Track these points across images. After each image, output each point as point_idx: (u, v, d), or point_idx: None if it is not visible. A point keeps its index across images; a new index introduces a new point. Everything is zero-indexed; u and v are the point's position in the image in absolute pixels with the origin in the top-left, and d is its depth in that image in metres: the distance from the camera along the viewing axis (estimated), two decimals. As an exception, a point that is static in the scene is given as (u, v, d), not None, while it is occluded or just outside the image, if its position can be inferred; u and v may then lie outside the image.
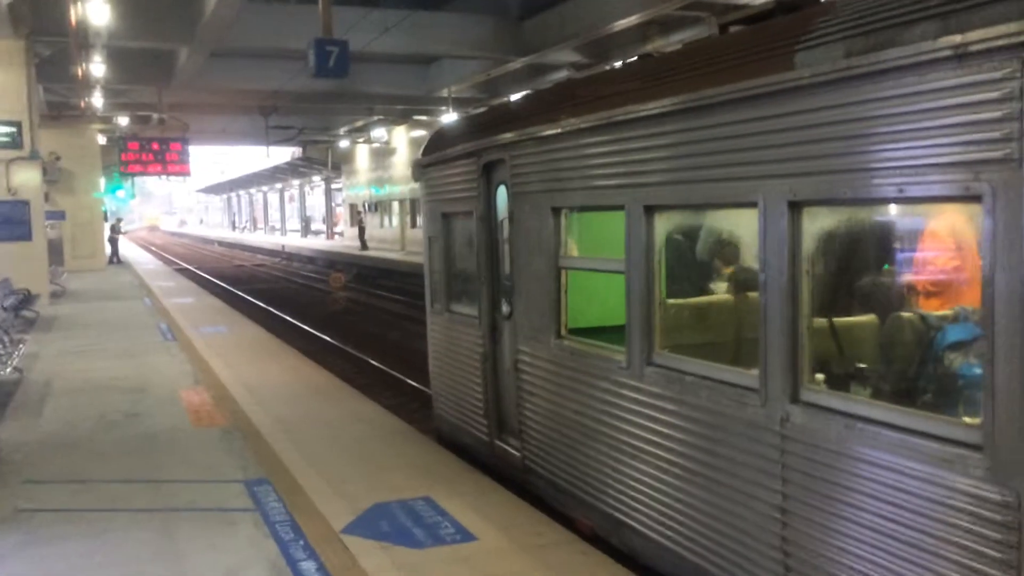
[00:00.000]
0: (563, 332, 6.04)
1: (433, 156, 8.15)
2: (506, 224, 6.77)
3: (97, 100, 28.46)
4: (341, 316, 24.02)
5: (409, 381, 14.24)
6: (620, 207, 5.24)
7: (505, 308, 6.95)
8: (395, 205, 45.41)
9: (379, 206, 47.57)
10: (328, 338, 19.05)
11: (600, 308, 6.37)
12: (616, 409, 5.28)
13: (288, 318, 22.50)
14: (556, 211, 5.98)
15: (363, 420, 8.80)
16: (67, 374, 11.65)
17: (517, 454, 6.75)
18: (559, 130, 5.77)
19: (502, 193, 6.91)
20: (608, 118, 5.21)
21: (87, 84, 25.62)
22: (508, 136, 6.53)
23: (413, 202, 42.51)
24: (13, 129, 19.36)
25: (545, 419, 6.22)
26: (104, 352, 13.56)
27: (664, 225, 5.03)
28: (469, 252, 7.83)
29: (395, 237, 44.83)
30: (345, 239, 54.66)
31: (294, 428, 8.41)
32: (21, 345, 11.26)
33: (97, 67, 23.33)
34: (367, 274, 36.44)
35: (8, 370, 10.50)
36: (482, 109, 7.74)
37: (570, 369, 5.82)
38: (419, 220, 42.23)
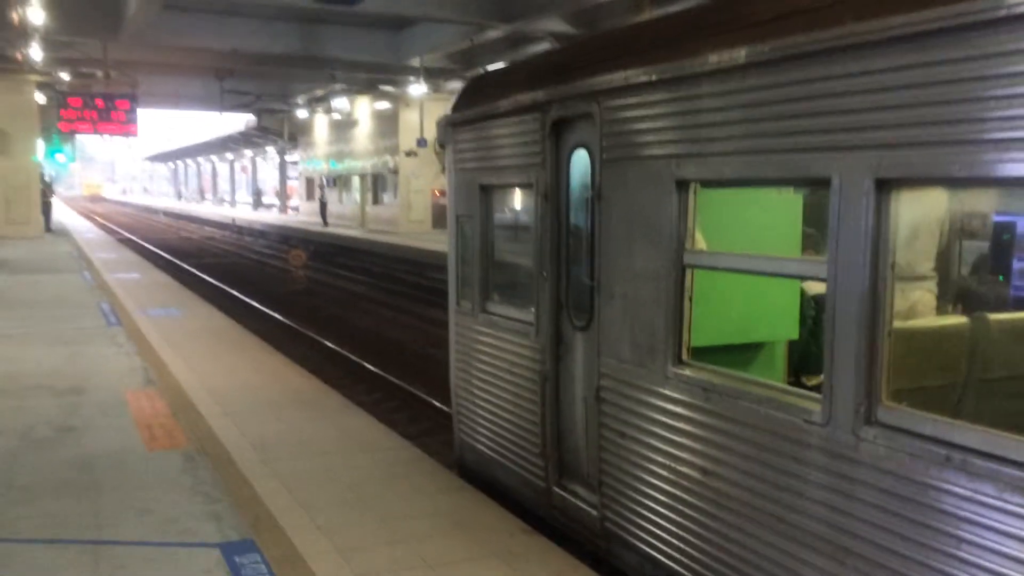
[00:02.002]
0: (685, 356, 4.32)
1: (469, 112, 6.33)
2: (587, 202, 5.02)
3: (35, 52, 25.79)
4: (302, 297, 22.04)
5: (388, 376, 12.51)
6: (818, 180, 3.54)
7: (579, 316, 5.21)
8: (355, 180, 43.17)
9: (338, 181, 45.27)
10: (292, 323, 17.15)
11: (720, 320, 4.68)
12: (796, 486, 3.58)
13: (246, 299, 20.46)
14: (683, 186, 4.24)
15: (361, 444, 6.98)
16: (-13, 367, 9.61)
17: (592, 512, 5.03)
18: (700, 69, 4.02)
19: (581, 160, 5.15)
20: (801, 47, 3.48)
21: (24, 32, 23.03)
22: (600, 80, 4.75)
23: (375, 177, 40.45)
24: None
25: (648, 475, 4.49)
26: (34, 338, 11.46)
27: (914, 209, 3.35)
28: (522, 237, 6.06)
29: (354, 214, 42.66)
30: (300, 214, 52.20)
31: (277, 455, 6.56)
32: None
33: (35, 12, 20.84)
34: (325, 252, 34.35)
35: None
36: (547, 49, 5.78)
37: (703, 413, 4.10)
38: (383, 197, 40.38)
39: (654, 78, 4.31)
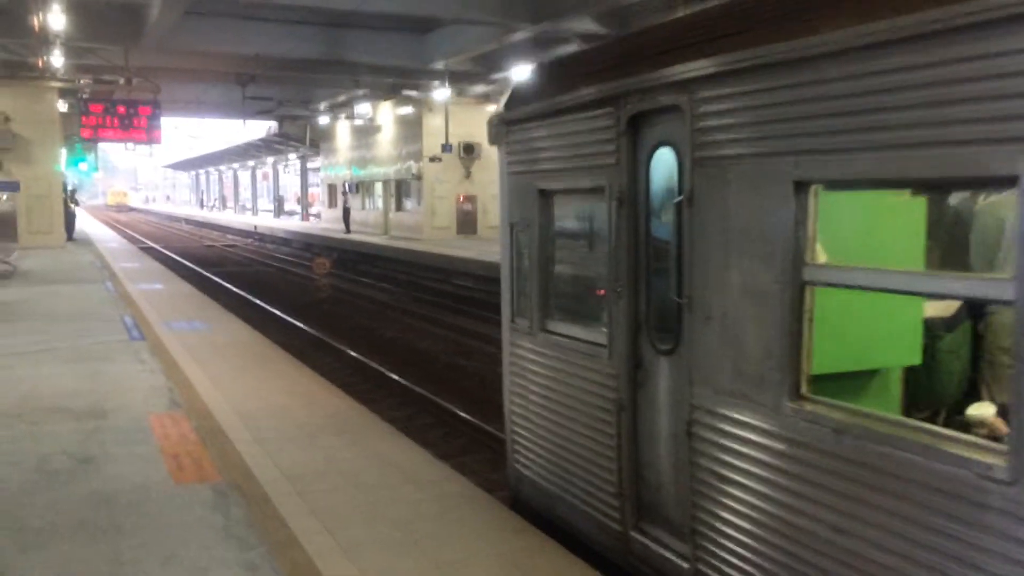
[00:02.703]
0: (804, 388, 3.66)
1: (525, 108, 5.70)
2: (673, 208, 4.37)
3: (56, 59, 25.49)
4: (327, 306, 21.53)
5: (420, 390, 11.95)
6: (996, 180, 2.88)
7: (663, 337, 4.56)
8: (378, 186, 42.68)
9: (360, 187, 44.81)
10: (317, 334, 16.62)
11: (834, 343, 4.01)
12: (966, 556, 2.90)
13: (270, 308, 19.97)
14: (801, 188, 3.58)
15: (406, 474, 6.34)
16: (2, 388, 9.05)
17: (683, 564, 4.37)
18: (828, 48, 3.36)
19: (664, 160, 4.50)
20: (972, 15, 2.82)
21: (45, 39, 22.70)
22: (692, 67, 4.11)
23: (398, 184, 39.94)
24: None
25: (758, 527, 3.83)
26: (54, 355, 10.94)
27: None
28: (591, 247, 5.43)
29: (377, 221, 42.17)
30: (322, 221, 51.80)
31: (314, 488, 5.94)
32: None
33: (56, 18, 20.47)
34: (348, 259, 33.88)
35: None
36: (620, 35, 5.14)
37: (833, 459, 3.43)
38: (406, 203, 39.84)
39: (765, 62, 3.66)
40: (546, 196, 5.60)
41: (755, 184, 3.78)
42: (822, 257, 3.69)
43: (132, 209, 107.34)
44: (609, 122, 4.79)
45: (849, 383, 4.27)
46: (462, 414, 10.98)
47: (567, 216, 5.65)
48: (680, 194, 4.28)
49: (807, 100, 3.49)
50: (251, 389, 9.11)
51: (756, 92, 3.74)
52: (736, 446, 3.95)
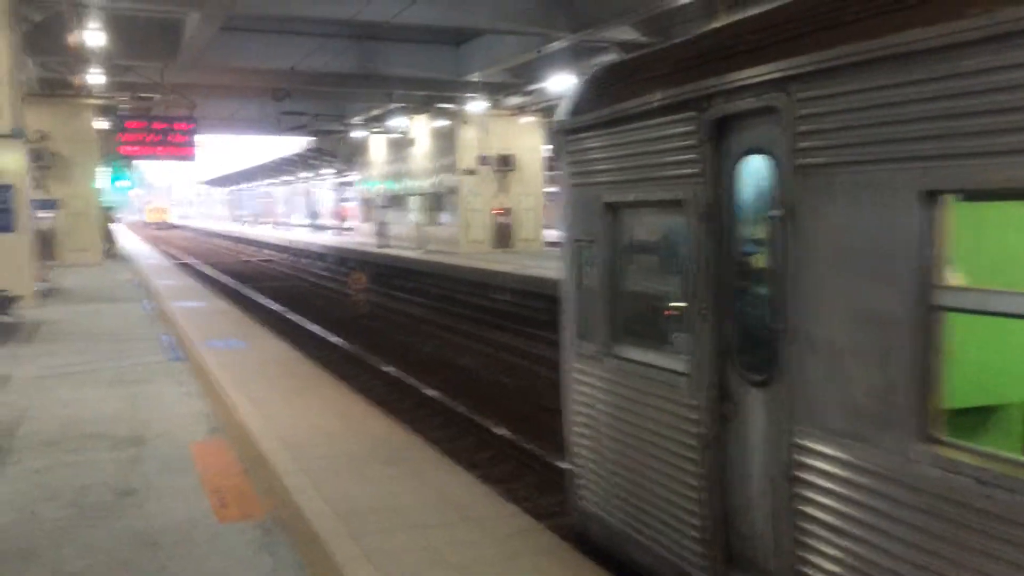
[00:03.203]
0: (935, 430, 3.19)
1: (590, 115, 5.29)
2: (768, 223, 3.92)
3: (94, 77, 25.59)
4: (363, 321, 21.28)
5: (462, 410, 11.64)
6: None
7: (755, 367, 4.11)
8: (412, 200, 42.51)
9: (394, 201, 44.69)
10: (355, 350, 16.36)
11: (961, 375, 3.53)
12: None
13: (307, 324, 19.76)
14: (931, 199, 3.13)
15: (463, 511, 5.92)
16: (42, 413, 8.78)
17: (784, 623, 3.90)
18: (969, 36, 2.91)
19: (756, 168, 4.06)
20: None
21: (83, 57, 22.76)
22: (793, 63, 3.67)
23: (433, 197, 39.73)
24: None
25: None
26: (94, 376, 10.70)
27: None
28: (664, 266, 5.00)
29: (412, 235, 41.97)
30: (357, 235, 51.78)
31: (366, 528, 5.54)
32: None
33: (94, 36, 20.47)
34: (384, 274, 33.70)
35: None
36: (698, 32, 4.71)
37: (984, 517, 2.95)
38: (441, 217, 39.58)
39: (889, 54, 3.21)
40: (613, 210, 5.17)
41: (873, 195, 3.33)
42: (956, 279, 3.23)
43: (173, 226, 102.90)
44: (688, 128, 4.36)
45: (965, 420, 3.79)
46: (508, 435, 10.58)
47: (638, 231, 5.23)
48: (775, 207, 3.84)
49: (941, 97, 3.04)
50: (293, 413, 8.77)
51: (876, 90, 3.29)
52: (850, 493, 3.49)
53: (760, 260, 4.11)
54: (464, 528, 5.54)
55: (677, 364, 4.63)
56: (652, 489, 4.82)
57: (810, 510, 3.70)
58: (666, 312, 4.96)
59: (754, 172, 4.08)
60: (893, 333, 3.27)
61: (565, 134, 5.56)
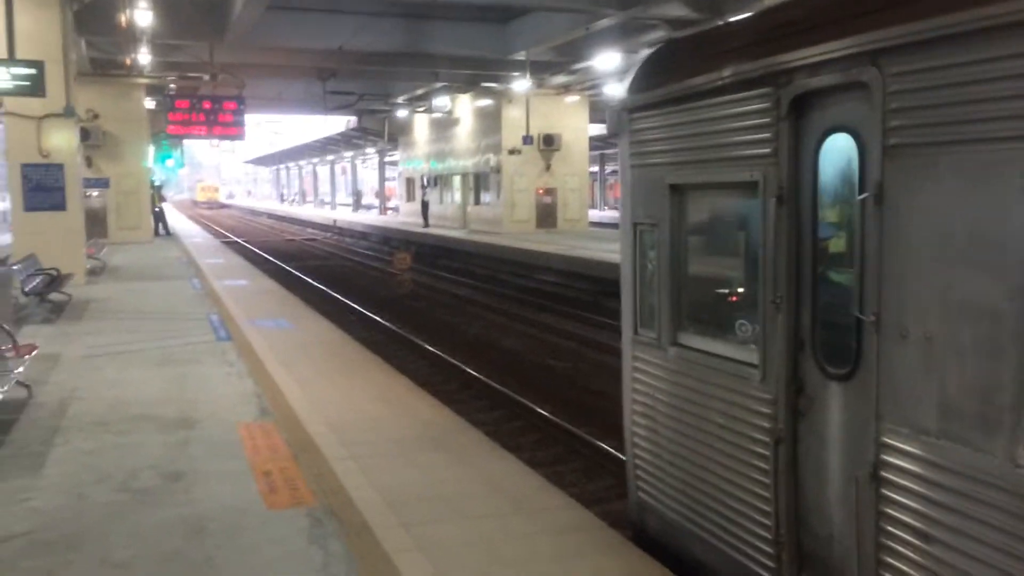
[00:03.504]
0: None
1: (655, 92, 5.02)
2: (855, 207, 3.64)
3: (143, 57, 25.76)
4: (408, 300, 21.21)
5: (508, 392, 11.49)
6: None
7: (835, 359, 3.84)
8: (456, 180, 42.37)
9: (438, 181, 44.59)
10: (399, 330, 16.27)
11: None
12: None
13: (351, 303, 19.73)
14: None
15: (516, 502, 5.74)
16: (89, 394, 8.78)
17: (864, 633, 3.66)
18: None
19: (839, 148, 3.78)
20: None
21: (132, 36, 22.88)
22: (886, 34, 3.37)
23: (477, 176, 39.53)
24: (32, 71, 15.17)
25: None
26: (141, 356, 10.71)
27: None
28: (735, 250, 4.74)
29: (455, 214, 41.88)
30: (400, 215, 51.85)
31: (418, 518, 5.39)
32: (27, 357, 8.35)
33: (143, 15, 20.55)
34: (427, 253, 33.65)
35: (7, 387, 7.56)
36: (775, 3, 4.38)
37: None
38: (484, 197, 39.40)
39: (996, 23, 2.92)
40: (679, 192, 4.92)
41: (976, 177, 3.04)
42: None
43: (224, 206, 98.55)
44: (764, 105, 4.09)
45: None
46: (555, 419, 10.39)
47: (705, 214, 4.97)
48: (863, 190, 3.56)
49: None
50: (341, 395, 8.66)
51: (981, 63, 2.99)
52: (943, 497, 3.23)
53: (842, 245, 3.84)
54: (518, 520, 5.36)
55: (747, 355, 4.39)
56: (717, 484, 4.59)
57: (896, 512, 3.45)
58: (735, 300, 4.71)
59: (837, 152, 3.80)
60: (999, 327, 2.99)
61: (627, 113, 5.30)
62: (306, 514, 5.42)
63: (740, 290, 4.65)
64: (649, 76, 5.17)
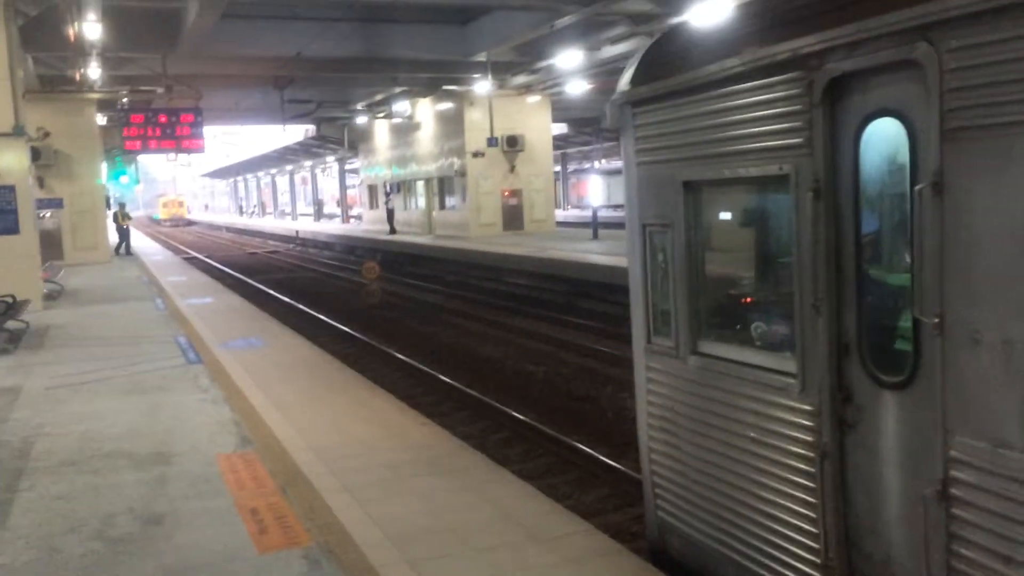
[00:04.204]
0: None
1: (663, 84, 4.67)
2: (911, 198, 3.30)
3: (94, 71, 24.95)
4: (379, 311, 20.71)
5: (491, 402, 11.18)
6: None
7: (888, 366, 3.51)
8: (419, 185, 41.84)
9: (401, 186, 44.02)
10: (374, 342, 15.80)
11: None
12: None
13: (322, 317, 19.19)
14: None
15: (528, 529, 5.35)
16: (55, 429, 8.23)
17: (936, 668, 3.33)
18: None
19: (883, 134, 3.45)
20: None
21: (81, 50, 22.12)
22: (943, 6, 3.04)
23: (441, 181, 39.05)
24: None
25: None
26: (108, 385, 10.15)
27: None
28: (761, 250, 4.41)
29: (420, 220, 41.35)
30: (364, 223, 51.16)
31: (424, 553, 4.98)
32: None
33: (92, 28, 19.84)
34: (395, 261, 33.11)
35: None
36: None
37: None
38: (449, 201, 38.93)
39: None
40: (694, 189, 4.57)
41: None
42: None
43: (192, 223, 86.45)
44: (794, 90, 3.75)
45: None
46: (543, 428, 10.03)
47: (725, 212, 4.63)
48: (917, 179, 3.23)
49: None
50: (324, 418, 8.21)
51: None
52: (1029, 519, 2.91)
53: (891, 241, 3.51)
54: (533, 550, 4.97)
55: (782, 363, 4.05)
56: (752, 503, 4.24)
57: (971, 535, 3.12)
58: (764, 304, 4.37)
59: (881, 139, 3.47)
60: None
61: (631, 107, 4.94)
62: (302, 555, 4.98)
63: (770, 294, 4.32)
64: (655, 66, 4.81)
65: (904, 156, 3.32)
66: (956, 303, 3.11)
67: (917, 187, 3.20)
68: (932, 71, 3.09)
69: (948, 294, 3.14)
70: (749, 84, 4.00)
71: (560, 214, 47.94)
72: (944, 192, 3.10)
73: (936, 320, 3.18)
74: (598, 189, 44.14)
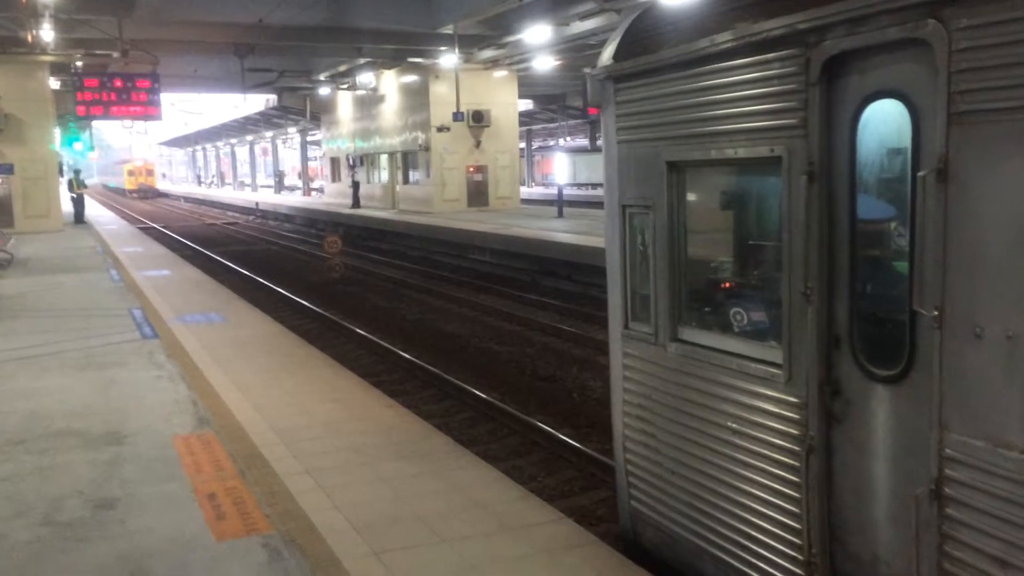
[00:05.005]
0: None
1: (648, 59, 4.47)
2: (913, 184, 3.16)
3: (47, 32, 24.07)
4: (341, 286, 20.40)
5: (455, 380, 10.98)
6: None
7: (880, 359, 3.39)
8: (383, 159, 41.28)
9: (364, 160, 43.39)
10: (336, 318, 15.53)
11: None
12: None
13: (282, 290, 18.84)
14: None
15: (499, 518, 5.19)
16: (1, 406, 7.88)
17: (924, 671, 3.23)
18: None
19: (883, 116, 3.30)
20: None
21: (33, 10, 21.31)
22: None
23: (405, 155, 38.55)
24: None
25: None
26: (59, 359, 9.78)
27: None
28: (749, 234, 4.26)
29: (383, 194, 40.84)
30: (326, 195, 50.44)
31: (391, 542, 4.79)
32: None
33: (44, -13, 19.08)
34: (357, 235, 32.69)
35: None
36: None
37: None
38: (413, 176, 38.47)
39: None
40: (678, 170, 4.40)
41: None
42: None
43: (162, 194, 78.24)
44: (790, 68, 3.58)
45: None
46: (507, 408, 9.89)
47: (711, 194, 4.47)
48: (920, 164, 3.09)
49: None
50: (287, 398, 7.96)
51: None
52: (1029, 521, 2.80)
53: (890, 228, 3.38)
54: (504, 540, 4.81)
55: (767, 352, 3.91)
56: (731, 496, 4.12)
57: (964, 536, 3.02)
58: (749, 291, 4.23)
59: (881, 121, 3.32)
60: None
61: (612, 82, 4.75)
62: (261, 544, 4.77)
63: (755, 280, 4.17)
64: (639, 39, 4.62)
65: (906, 140, 3.17)
66: (957, 295, 2.99)
67: (920, 173, 3.06)
68: (940, 50, 2.94)
69: (949, 286, 3.01)
70: (741, 61, 3.83)
71: (524, 191, 47.72)
72: (949, 179, 2.96)
73: (935, 312, 3.05)
74: (563, 167, 43.92)
